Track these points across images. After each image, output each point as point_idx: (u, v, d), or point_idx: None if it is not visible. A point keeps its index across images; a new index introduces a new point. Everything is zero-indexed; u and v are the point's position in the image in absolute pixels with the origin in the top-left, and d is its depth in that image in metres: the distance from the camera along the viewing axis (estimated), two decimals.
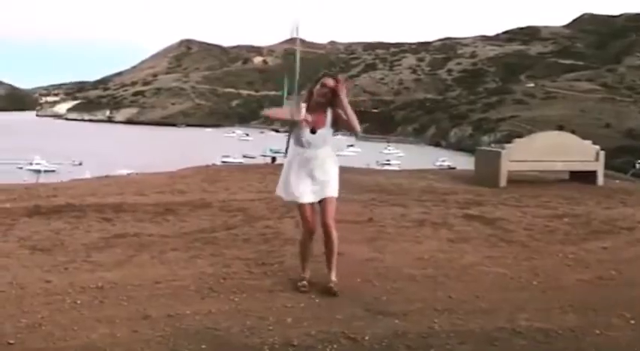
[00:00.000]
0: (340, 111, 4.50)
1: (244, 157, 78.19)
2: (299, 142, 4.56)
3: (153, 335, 3.71)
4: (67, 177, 17.68)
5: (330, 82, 4.50)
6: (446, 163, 71.52)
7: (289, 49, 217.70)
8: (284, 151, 4.80)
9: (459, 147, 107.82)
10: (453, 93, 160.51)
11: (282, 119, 4.73)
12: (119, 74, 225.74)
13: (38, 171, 64.10)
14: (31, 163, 70.52)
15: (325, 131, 4.55)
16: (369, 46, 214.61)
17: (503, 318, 4.17)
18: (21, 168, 67.59)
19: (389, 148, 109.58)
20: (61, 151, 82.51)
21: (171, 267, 5.09)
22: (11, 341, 3.58)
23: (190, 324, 3.90)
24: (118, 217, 6.87)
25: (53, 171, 64.64)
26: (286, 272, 4.98)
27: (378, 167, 42.71)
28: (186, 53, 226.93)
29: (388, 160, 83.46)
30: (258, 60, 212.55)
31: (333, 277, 4.59)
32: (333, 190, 4.55)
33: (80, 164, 71.13)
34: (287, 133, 4.73)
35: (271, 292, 4.53)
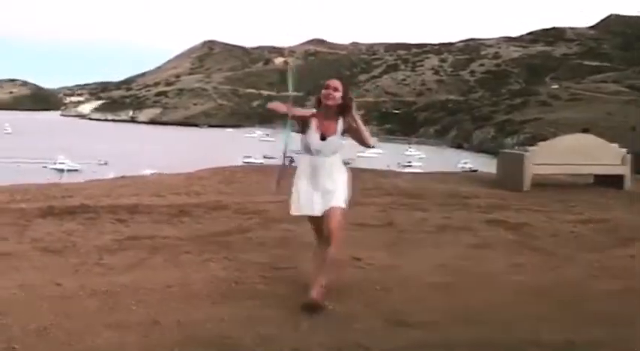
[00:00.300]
0: (352, 122, 4.33)
1: (264, 157, 78.21)
2: (307, 150, 4.37)
3: (161, 342, 3.60)
4: (91, 176, 17.72)
5: (334, 82, 4.32)
6: (468, 166, 70.88)
7: (309, 50, 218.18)
8: (282, 155, 4.52)
9: (481, 149, 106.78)
10: (475, 94, 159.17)
11: (283, 112, 4.33)
12: (142, 75, 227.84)
13: (62, 170, 64.78)
14: (55, 163, 71.27)
15: (335, 139, 4.34)
16: (391, 47, 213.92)
17: (525, 330, 3.99)
18: (46, 167, 68.37)
19: (410, 149, 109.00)
20: (86, 151, 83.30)
21: (183, 270, 4.98)
22: (16, 346, 3.49)
23: (200, 331, 3.78)
24: (133, 218, 6.78)
25: (77, 170, 65.31)
26: (301, 278, 4.82)
27: (399, 169, 42.46)
28: (209, 54, 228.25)
29: (410, 162, 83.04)
30: (279, 61, 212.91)
31: (314, 295, 4.20)
32: (339, 200, 4.32)
33: (106, 164, 71.63)
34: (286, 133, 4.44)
35: (285, 299, 4.38)
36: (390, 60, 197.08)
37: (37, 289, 4.40)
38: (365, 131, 4.34)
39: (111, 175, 15.52)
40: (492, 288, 4.87)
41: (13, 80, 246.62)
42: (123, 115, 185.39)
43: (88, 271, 4.88)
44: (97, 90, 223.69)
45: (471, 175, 14.60)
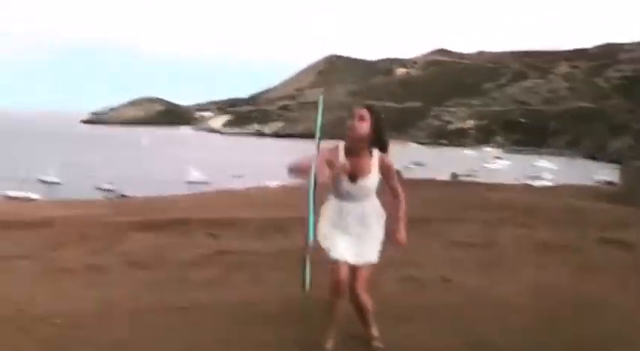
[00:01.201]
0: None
1: None
2: (337, 193, 3.62)
3: None
4: (219, 188, 18.20)
5: (361, 110, 3.56)
6: (605, 178, 66.33)
7: (432, 60, 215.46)
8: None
9: (617, 160, 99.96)
10: (611, 102, 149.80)
11: (304, 173, 3.47)
12: (268, 91, 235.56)
13: (191, 182, 67.79)
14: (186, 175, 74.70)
15: (369, 181, 3.54)
16: (519, 55, 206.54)
17: None
18: (177, 179, 71.89)
19: (540, 161, 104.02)
20: (216, 163, 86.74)
21: (263, 288, 4.90)
22: None
23: None
24: (225, 232, 6.79)
25: (206, 182, 68.08)
26: (383, 297, 4.55)
27: (529, 182, 40.38)
28: (331, 68, 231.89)
29: (539, 174, 79.13)
30: (400, 72, 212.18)
31: (375, 332, 3.76)
32: (371, 255, 3.61)
33: (241, 177, 73.62)
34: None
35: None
36: (518, 67, 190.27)
37: (117, 303, 4.46)
38: (403, 211, 3.66)
39: (236, 187, 16.01)
40: (597, 315, 4.38)
41: (149, 99, 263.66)
42: (249, 129, 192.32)
43: (169, 286, 4.90)
44: (226, 105, 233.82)
45: (595, 189, 13.57)
